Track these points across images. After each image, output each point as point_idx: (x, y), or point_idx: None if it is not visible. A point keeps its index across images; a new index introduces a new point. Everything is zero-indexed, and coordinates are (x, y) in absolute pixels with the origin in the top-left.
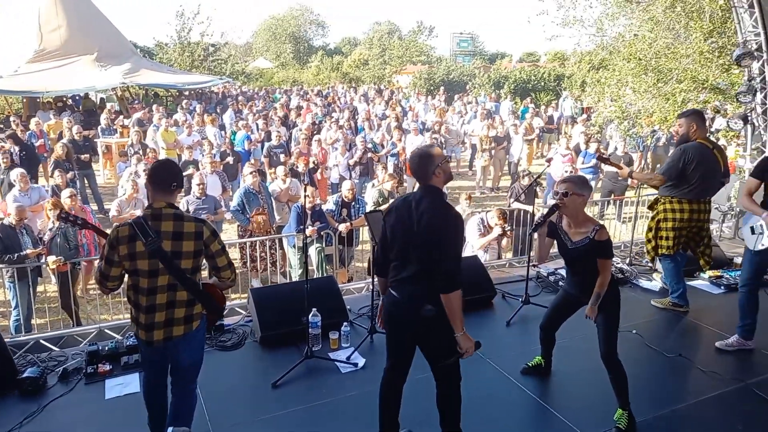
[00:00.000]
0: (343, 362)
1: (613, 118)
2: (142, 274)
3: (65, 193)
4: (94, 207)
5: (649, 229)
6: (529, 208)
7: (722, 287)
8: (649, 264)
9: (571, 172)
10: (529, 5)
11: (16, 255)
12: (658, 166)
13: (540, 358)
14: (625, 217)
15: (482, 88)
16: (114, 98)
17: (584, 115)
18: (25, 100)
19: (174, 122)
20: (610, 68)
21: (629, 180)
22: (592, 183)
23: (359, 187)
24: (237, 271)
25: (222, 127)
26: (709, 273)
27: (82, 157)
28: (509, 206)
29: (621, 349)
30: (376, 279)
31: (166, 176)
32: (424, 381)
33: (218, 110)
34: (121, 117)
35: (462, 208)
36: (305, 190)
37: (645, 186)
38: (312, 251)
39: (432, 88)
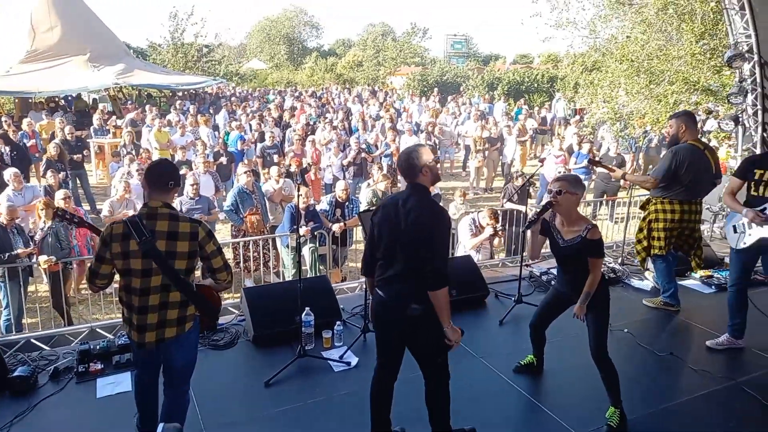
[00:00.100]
0: (336, 361)
1: (605, 119)
2: (135, 274)
3: (59, 195)
4: (87, 207)
5: (640, 230)
6: (522, 208)
7: (713, 287)
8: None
9: (564, 172)
10: (522, 7)
11: (6, 254)
12: (651, 167)
13: (532, 356)
14: (618, 218)
15: (476, 89)
16: (107, 99)
17: (577, 117)
18: (17, 101)
19: (167, 123)
20: (602, 70)
21: (622, 181)
22: (585, 183)
23: (353, 187)
24: (231, 267)
25: (215, 128)
26: (700, 273)
27: (75, 157)
28: (502, 207)
29: (613, 348)
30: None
31: (163, 175)
32: (415, 379)
33: (211, 111)
34: (114, 117)
35: (456, 206)
36: (298, 190)
37: (637, 187)
38: (305, 251)
39: (426, 89)
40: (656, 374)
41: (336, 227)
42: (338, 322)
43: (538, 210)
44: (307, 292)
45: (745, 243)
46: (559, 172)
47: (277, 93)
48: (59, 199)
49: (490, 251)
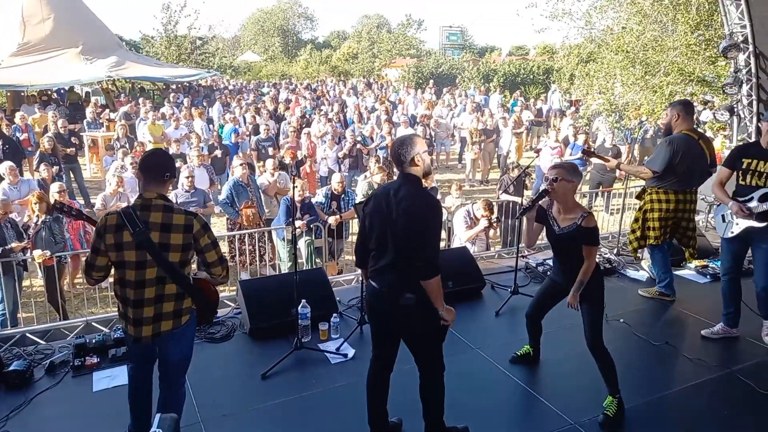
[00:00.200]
0: (332, 353)
1: (601, 110)
2: (129, 266)
3: (54, 188)
4: (81, 201)
5: (635, 220)
6: (518, 199)
7: (708, 276)
8: (638, 256)
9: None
10: None
11: (0, 249)
12: (646, 158)
13: (528, 347)
14: (613, 209)
15: (471, 81)
16: (100, 92)
17: (572, 108)
18: (9, 94)
19: (161, 116)
20: (598, 61)
21: (617, 171)
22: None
23: (348, 180)
24: (227, 261)
25: (210, 121)
26: (695, 263)
27: (68, 150)
28: (498, 198)
29: (609, 338)
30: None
31: (158, 166)
32: (412, 371)
33: (204, 104)
34: (107, 111)
35: (453, 199)
36: (294, 182)
37: (632, 177)
38: (301, 244)
39: (421, 81)
40: (652, 363)
41: (332, 220)
42: (335, 315)
43: (534, 197)
44: (304, 285)
45: (732, 232)
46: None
47: (272, 86)
48: (54, 192)
49: (486, 243)
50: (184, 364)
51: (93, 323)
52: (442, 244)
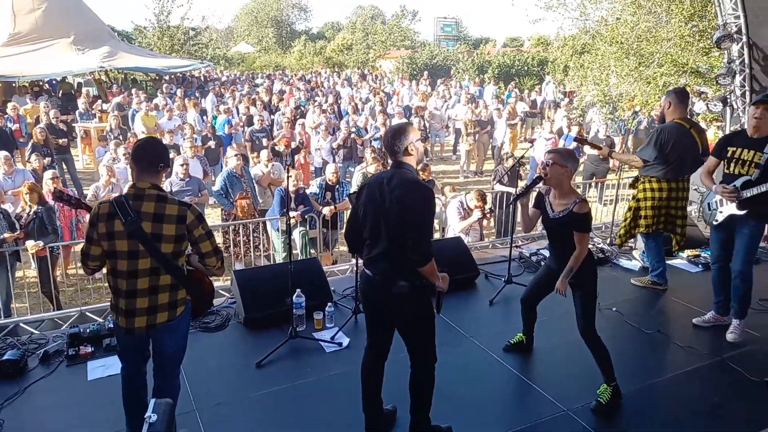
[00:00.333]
0: (327, 342)
1: (595, 101)
2: (121, 256)
3: (47, 175)
4: (74, 192)
5: (629, 209)
6: (512, 190)
7: (699, 266)
8: (629, 245)
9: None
10: None
11: None
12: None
13: (521, 335)
14: (607, 200)
15: (466, 72)
16: (92, 83)
17: (566, 100)
18: (0, 85)
19: (154, 107)
20: (592, 52)
21: (610, 162)
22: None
23: (343, 171)
24: (222, 252)
25: (203, 112)
26: (688, 252)
27: (60, 141)
28: (492, 189)
29: (601, 326)
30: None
31: (151, 156)
32: (407, 359)
33: (197, 95)
34: (100, 101)
35: (446, 196)
36: (288, 172)
37: (626, 169)
38: (296, 234)
39: (415, 72)
40: (644, 351)
41: (326, 210)
42: (329, 304)
43: (528, 183)
44: (298, 274)
45: (717, 220)
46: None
47: (266, 77)
48: (47, 179)
49: (480, 233)
50: (180, 356)
51: (87, 313)
52: (436, 235)
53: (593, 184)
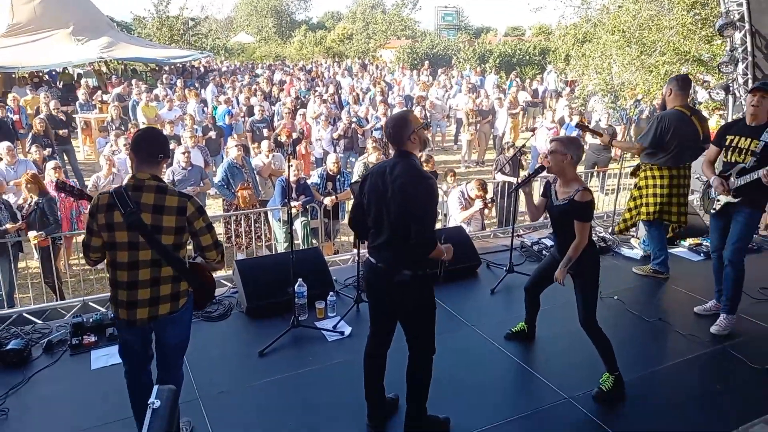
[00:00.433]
0: (329, 331)
1: (597, 90)
2: (121, 247)
3: (50, 165)
4: (76, 182)
5: (632, 198)
6: (514, 179)
7: (701, 254)
8: (631, 233)
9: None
10: None
11: None
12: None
13: (523, 323)
14: (608, 189)
15: (467, 62)
16: (92, 73)
17: (568, 89)
18: (0, 76)
19: (154, 97)
20: (594, 41)
21: (612, 151)
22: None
23: (344, 161)
24: (223, 245)
25: (204, 103)
26: (689, 241)
27: (61, 132)
28: (494, 178)
29: (603, 315)
30: (362, 249)
31: (152, 146)
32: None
33: (197, 85)
34: (100, 92)
35: (448, 184)
36: (289, 162)
37: (628, 158)
38: (297, 225)
39: (416, 62)
40: (645, 339)
41: (327, 201)
42: (331, 293)
43: (530, 173)
44: (300, 264)
45: (714, 209)
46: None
47: (266, 68)
48: (50, 168)
49: (482, 222)
50: (183, 347)
51: (90, 303)
52: (438, 225)
53: (595, 174)
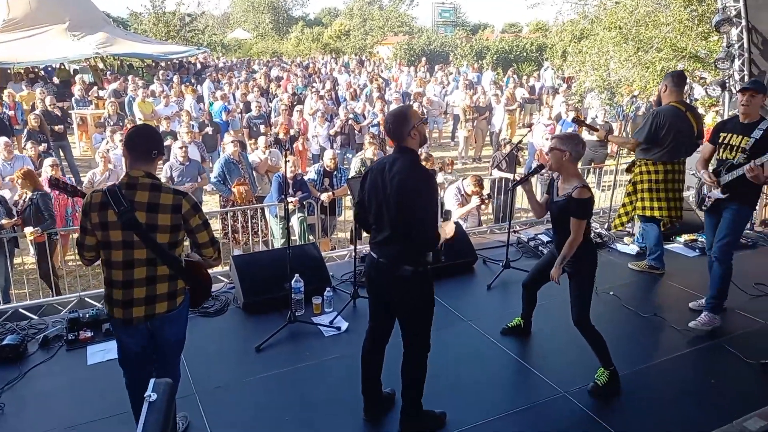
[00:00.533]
0: (326, 326)
1: (593, 87)
2: (115, 246)
3: (47, 162)
4: (72, 179)
5: (627, 194)
6: (510, 176)
7: (696, 250)
8: (627, 229)
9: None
10: None
11: None
12: None
13: (519, 319)
14: (605, 186)
15: (464, 58)
16: (88, 69)
17: (565, 85)
18: None
19: (151, 93)
20: (591, 38)
21: (608, 148)
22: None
23: (341, 157)
24: (219, 242)
25: (200, 99)
26: (685, 237)
27: (56, 128)
28: (491, 175)
29: (599, 310)
30: (358, 245)
31: (145, 143)
32: None
33: (193, 81)
34: (96, 88)
35: (442, 176)
36: (285, 158)
37: (624, 154)
38: (294, 221)
39: (413, 58)
40: (641, 335)
41: (324, 197)
42: (328, 288)
43: (529, 171)
44: (297, 259)
45: (706, 205)
46: (547, 140)
47: (264, 64)
48: (47, 166)
49: (478, 218)
50: (180, 345)
51: (86, 298)
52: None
53: (591, 170)
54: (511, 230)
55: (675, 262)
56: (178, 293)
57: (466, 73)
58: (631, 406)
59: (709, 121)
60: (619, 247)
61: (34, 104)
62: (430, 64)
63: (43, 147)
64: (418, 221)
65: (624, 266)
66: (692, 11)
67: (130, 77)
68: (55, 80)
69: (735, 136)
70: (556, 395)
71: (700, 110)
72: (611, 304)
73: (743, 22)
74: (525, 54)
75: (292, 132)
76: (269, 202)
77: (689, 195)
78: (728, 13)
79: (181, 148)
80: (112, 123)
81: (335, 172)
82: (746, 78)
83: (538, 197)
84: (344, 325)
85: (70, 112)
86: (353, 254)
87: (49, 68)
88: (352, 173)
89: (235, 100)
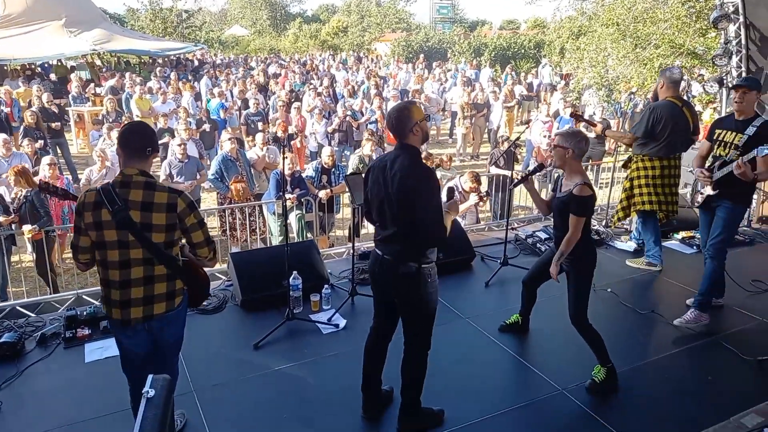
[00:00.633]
0: (324, 323)
1: (591, 84)
2: (111, 246)
3: (45, 161)
4: (69, 176)
5: (624, 190)
6: (508, 173)
7: (694, 247)
8: (624, 226)
9: (549, 137)
10: None
11: None
12: None
13: (517, 315)
14: (602, 182)
15: (462, 55)
16: (85, 66)
17: (563, 82)
18: None
19: (148, 90)
20: (589, 35)
21: (606, 145)
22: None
23: (339, 154)
24: (217, 239)
25: (198, 96)
26: (682, 233)
27: (53, 125)
28: (488, 172)
29: (597, 307)
30: (356, 243)
31: (139, 140)
32: None
33: (190, 78)
34: (93, 85)
35: (439, 173)
36: (283, 155)
37: (621, 151)
38: (292, 218)
39: (411, 55)
40: (638, 331)
41: (322, 194)
42: (326, 286)
43: (529, 170)
44: (295, 257)
45: (698, 202)
46: (545, 137)
47: (261, 61)
48: (45, 164)
49: (476, 215)
50: (178, 345)
51: (84, 296)
52: None
53: (589, 167)
54: (509, 227)
55: (672, 259)
56: (177, 293)
57: (464, 70)
58: (629, 403)
59: (707, 117)
60: (617, 244)
61: (30, 101)
62: (428, 61)
63: (39, 144)
64: (419, 221)
65: (622, 263)
66: (690, 8)
67: (127, 74)
68: (52, 77)
69: (729, 132)
70: (554, 392)
71: (698, 107)
72: (609, 301)
73: (741, 18)
74: (523, 51)
75: (290, 129)
76: (267, 199)
77: (686, 192)
78: (726, 9)
79: (179, 145)
80: (109, 120)
81: (333, 170)
82: (744, 74)
83: (543, 195)
84: (342, 323)
85: (67, 109)
86: (351, 251)
87: (46, 65)
88: (350, 170)
89: (232, 97)
